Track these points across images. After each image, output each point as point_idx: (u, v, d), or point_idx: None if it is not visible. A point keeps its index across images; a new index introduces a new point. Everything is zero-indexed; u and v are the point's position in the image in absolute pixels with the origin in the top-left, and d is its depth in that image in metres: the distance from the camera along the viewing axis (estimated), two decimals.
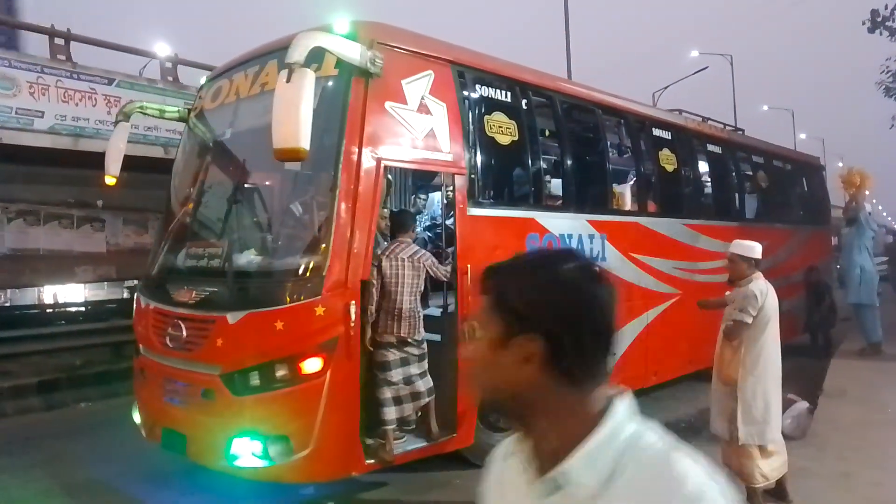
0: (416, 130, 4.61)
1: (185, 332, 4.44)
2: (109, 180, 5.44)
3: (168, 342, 4.56)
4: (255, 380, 4.09)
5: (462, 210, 4.88)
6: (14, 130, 8.79)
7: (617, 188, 6.85)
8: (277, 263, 4.28)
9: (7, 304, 17.42)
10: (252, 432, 4.09)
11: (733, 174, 8.78)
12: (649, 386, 7.01)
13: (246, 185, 4.60)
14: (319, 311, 4.04)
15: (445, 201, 5.12)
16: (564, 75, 18.19)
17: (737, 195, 8.79)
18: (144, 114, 5.75)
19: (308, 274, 4.11)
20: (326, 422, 4.07)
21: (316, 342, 4.06)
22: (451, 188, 4.89)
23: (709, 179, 8.32)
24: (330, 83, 4.37)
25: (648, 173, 7.13)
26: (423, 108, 4.68)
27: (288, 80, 3.70)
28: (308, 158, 4.29)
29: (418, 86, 4.68)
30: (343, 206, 4.15)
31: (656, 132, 7.25)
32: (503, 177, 5.44)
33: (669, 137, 7.41)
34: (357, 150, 4.23)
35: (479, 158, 5.13)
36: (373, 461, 4.37)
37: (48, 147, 9.03)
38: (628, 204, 6.96)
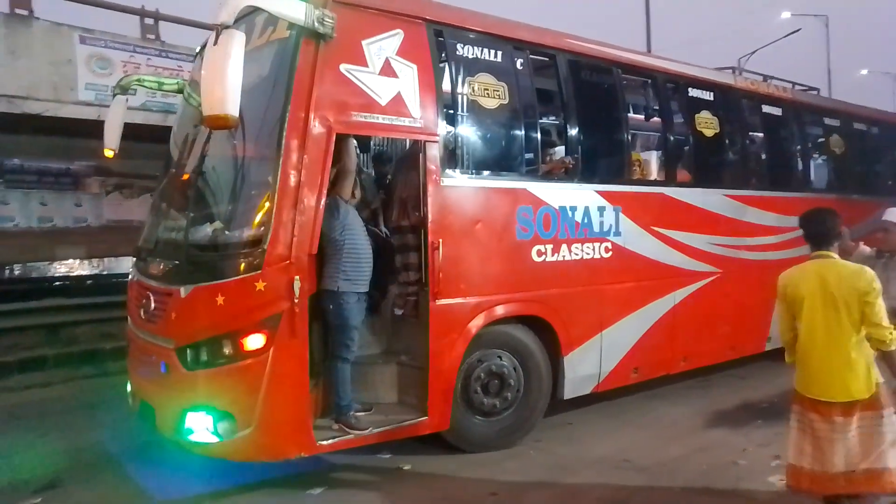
0: (379, 95, 4.31)
1: (152, 305, 4.43)
2: (108, 153, 5.52)
3: (142, 314, 4.58)
4: (202, 355, 4.01)
5: (434, 180, 4.55)
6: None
7: (639, 156, 6.25)
8: (224, 236, 4.15)
9: (105, 273, 18.76)
10: (202, 407, 4.02)
11: (797, 139, 7.83)
12: (676, 372, 6.43)
13: (207, 158, 4.49)
14: (260, 286, 3.89)
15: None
16: (644, 48, 17.18)
17: (802, 163, 7.85)
18: (142, 87, 5.78)
19: (250, 248, 3.96)
20: (270, 400, 3.94)
21: (257, 318, 3.91)
22: (422, 156, 4.56)
23: (764, 145, 7.45)
24: (281, 46, 4.16)
25: (680, 139, 6.44)
26: (387, 71, 4.37)
27: (215, 43, 3.52)
28: (260, 127, 4.18)
29: (383, 46, 4.36)
30: (287, 176, 3.95)
31: (692, 93, 6.51)
32: (488, 144, 5.03)
33: (710, 99, 6.65)
34: (304, 116, 3.99)
35: (457, 124, 4.76)
36: (326, 443, 4.21)
37: (140, 123, 9.29)
38: (653, 173, 6.34)
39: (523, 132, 5.12)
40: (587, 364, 5.56)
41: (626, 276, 5.80)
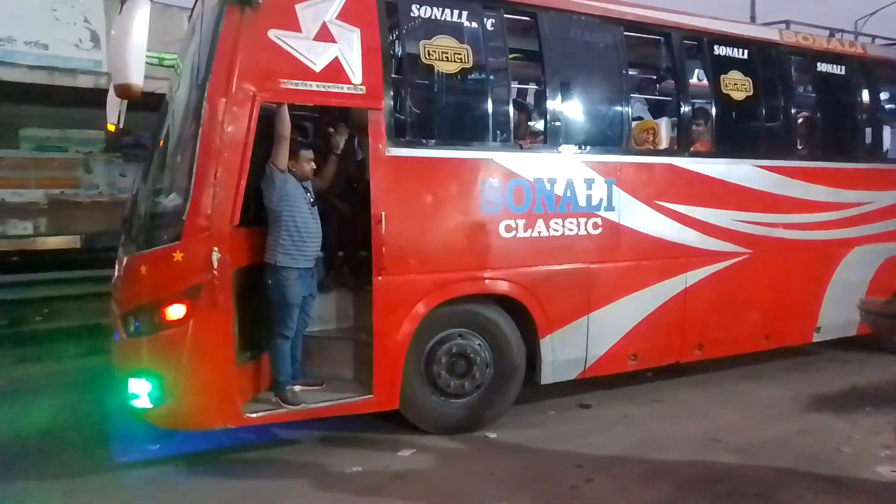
0: (313, 61, 4.14)
1: (114, 275, 4.60)
2: (111, 127, 5.76)
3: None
4: (135, 323, 4.08)
5: (378, 150, 4.34)
6: None
7: (644, 123, 5.65)
8: (153, 208, 4.20)
9: None
10: (138, 374, 4.09)
11: (864, 101, 6.79)
12: (689, 360, 5.86)
13: (161, 131, 4.55)
14: (178, 256, 3.89)
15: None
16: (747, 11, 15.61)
17: (866, 129, 6.82)
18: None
19: (172, 219, 3.96)
20: (191, 371, 3.96)
21: (177, 289, 3.92)
22: (366, 125, 4.36)
23: (817, 109, 6.52)
24: (210, 14, 4.08)
25: (698, 104, 5.77)
26: (324, 36, 4.18)
27: (120, 12, 3.52)
28: (190, 98, 4.16)
29: (319, 10, 4.18)
30: (206, 147, 3.89)
31: (719, 51, 5.78)
32: (445, 111, 4.72)
33: (744, 57, 5.89)
34: (225, 85, 3.91)
35: (407, 91, 4.51)
36: (255, 415, 4.19)
37: None
38: (664, 142, 5.72)
39: (490, 98, 4.76)
40: (571, 348, 5.17)
41: (620, 254, 5.32)
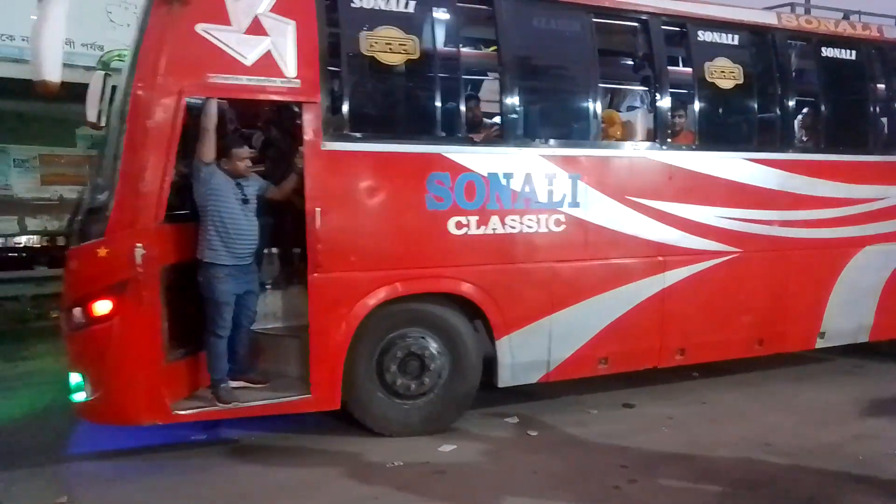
0: (243, 55, 4.06)
1: None
2: (91, 125, 5.87)
3: None
4: (68, 318, 4.12)
5: (313, 144, 4.23)
6: None
7: (615, 114, 5.36)
8: (88, 203, 4.22)
9: None
10: (72, 368, 4.17)
11: (878, 89, 6.26)
12: (669, 366, 5.54)
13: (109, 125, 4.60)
14: (102, 252, 3.91)
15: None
16: None
17: (881, 119, 6.27)
18: (123, 61, 6.03)
19: (98, 214, 3.98)
20: (118, 366, 3.98)
21: (102, 285, 3.94)
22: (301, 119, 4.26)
23: (821, 97, 6.03)
24: (143, 10, 4.07)
25: (678, 94, 5.41)
26: (256, 29, 4.11)
27: (38, 3, 3.54)
28: (123, 95, 4.15)
29: (252, 3, 4.10)
30: (130, 143, 3.90)
31: (703, 37, 5.42)
32: (388, 105, 4.58)
33: (733, 43, 5.50)
34: (150, 80, 3.90)
35: (346, 84, 4.38)
36: (185, 412, 4.16)
37: None
38: (639, 133, 5.41)
39: (439, 90, 4.59)
40: (531, 350, 4.95)
41: (587, 253, 5.06)
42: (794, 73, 5.85)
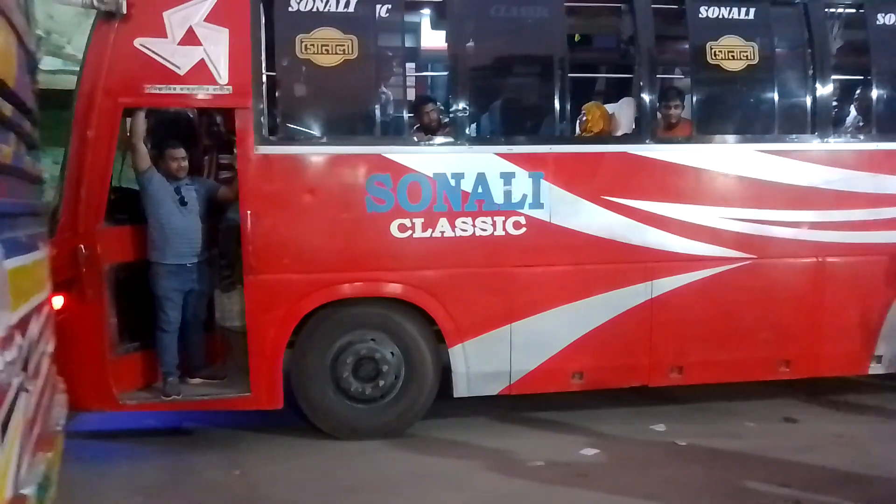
0: (177, 65, 4.25)
1: None
2: None
3: None
4: None
5: (246, 148, 4.33)
6: None
7: (595, 107, 4.85)
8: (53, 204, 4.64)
9: None
10: None
11: None
12: (662, 385, 4.96)
13: None
14: (52, 252, 4.24)
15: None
16: None
17: None
18: None
19: (53, 216, 4.36)
20: (68, 355, 4.31)
21: (55, 281, 4.28)
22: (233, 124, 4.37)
23: (850, 76, 5.03)
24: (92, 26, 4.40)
25: (670, 81, 4.82)
26: (190, 39, 4.27)
27: None
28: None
29: (188, 14, 4.27)
30: (75, 152, 4.24)
31: (706, 12, 4.75)
32: (323, 106, 4.51)
33: (741, 17, 4.78)
34: (91, 93, 4.21)
35: (279, 87, 4.42)
36: (132, 402, 4.46)
37: None
38: (623, 126, 4.87)
39: (379, 89, 4.49)
40: (490, 360, 4.69)
41: (552, 258, 4.69)
42: (818, 45, 4.92)
